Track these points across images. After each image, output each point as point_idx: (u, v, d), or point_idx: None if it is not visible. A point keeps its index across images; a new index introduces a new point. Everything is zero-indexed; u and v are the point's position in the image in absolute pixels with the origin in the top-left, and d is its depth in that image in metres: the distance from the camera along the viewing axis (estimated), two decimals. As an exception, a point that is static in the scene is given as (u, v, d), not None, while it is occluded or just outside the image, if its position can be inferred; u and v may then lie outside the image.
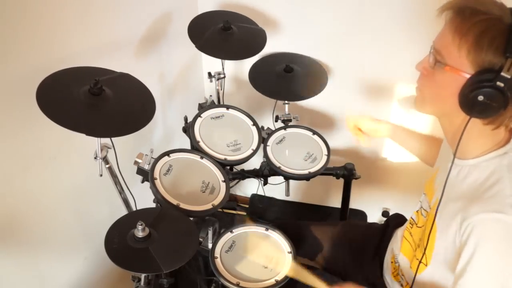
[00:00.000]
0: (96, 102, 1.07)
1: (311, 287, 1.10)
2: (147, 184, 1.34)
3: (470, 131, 0.88)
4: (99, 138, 1.16)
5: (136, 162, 1.36)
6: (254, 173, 1.67)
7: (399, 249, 1.18)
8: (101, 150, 1.20)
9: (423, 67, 0.93)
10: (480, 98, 0.81)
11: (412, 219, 1.13)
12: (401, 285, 1.18)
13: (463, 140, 0.89)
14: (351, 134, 1.38)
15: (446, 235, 0.93)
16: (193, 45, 1.53)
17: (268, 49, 1.72)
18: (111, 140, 1.24)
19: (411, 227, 1.13)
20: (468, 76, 0.83)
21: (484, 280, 0.86)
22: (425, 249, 1.01)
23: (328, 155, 1.59)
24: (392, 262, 1.23)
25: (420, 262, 1.03)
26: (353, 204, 1.96)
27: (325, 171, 1.58)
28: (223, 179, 1.41)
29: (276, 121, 1.78)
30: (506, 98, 0.80)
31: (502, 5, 0.83)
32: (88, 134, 1.01)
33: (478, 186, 0.90)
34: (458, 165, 0.95)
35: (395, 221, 1.38)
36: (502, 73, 0.78)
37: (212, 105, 1.66)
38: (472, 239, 0.85)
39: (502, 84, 0.78)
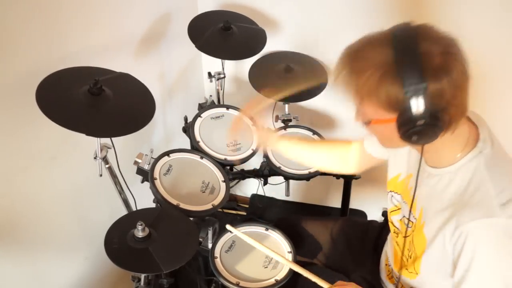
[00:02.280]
0: (96, 102, 1.07)
1: (312, 283, 1.10)
2: (147, 184, 1.34)
3: (435, 143, 0.86)
4: (99, 138, 1.16)
5: (136, 162, 1.36)
6: (254, 173, 1.67)
7: (391, 253, 1.18)
8: (101, 150, 1.20)
9: (359, 120, 0.92)
10: (415, 138, 0.82)
11: (397, 228, 1.12)
12: (396, 287, 1.17)
13: (435, 150, 0.89)
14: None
15: (436, 245, 0.92)
16: (193, 45, 1.53)
17: (268, 49, 1.72)
18: (111, 140, 1.24)
19: (397, 236, 1.12)
20: (394, 119, 0.82)
21: (486, 285, 0.86)
22: (404, 258, 1.02)
23: (328, 155, 1.59)
24: (386, 265, 1.23)
25: (407, 270, 1.03)
26: (353, 204, 1.96)
27: (325, 171, 1.58)
28: (223, 179, 1.41)
29: (276, 121, 1.78)
30: (435, 123, 0.79)
31: (382, 44, 0.81)
32: (88, 134, 1.01)
33: (463, 191, 0.88)
34: (437, 175, 0.94)
35: None
36: (415, 114, 0.78)
37: (212, 105, 1.66)
38: (468, 246, 0.85)
39: (422, 121, 0.78)
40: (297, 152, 1.32)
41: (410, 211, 0.98)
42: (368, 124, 0.88)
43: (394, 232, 1.13)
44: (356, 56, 0.83)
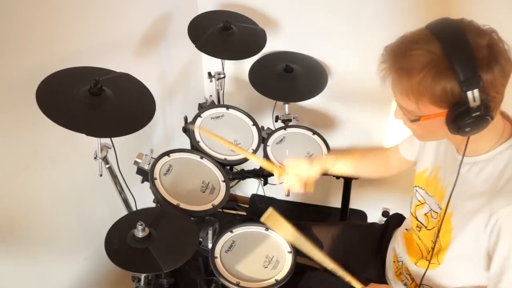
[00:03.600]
0: (96, 102, 1.07)
1: (314, 283, 1.10)
2: (147, 184, 1.34)
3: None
4: (99, 138, 1.16)
5: (136, 162, 1.36)
6: (254, 173, 1.67)
7: (404, 251, 1.18)
8: (101, 150, 1.20)
9: (401, 117, 0.94)
10: (468, 129, 0.83)
11: (421, 222, 1.12)
12: (405, 284, 1.17)
13: (472, 140, 0.90)
14: (295, 189, 1.23)
15: (466, 233, 0.92)
16: (193, 45, 1.52)
17: (268, 49, 1.72)
18: (111, 140, 1.24)
19: (419, 230, 1.12)
20: (444, 113, 0.84)
21: None
22: (432, 250, 1.01)
23: (328, 155, 1.59)
24: (394, 262, 1.23)
25: (429, 262, 1.03)
26: (353, 204, 1.96)
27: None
28: (223, 179, 1.41)
29: (276, 121, 1.78)
30: (487, 112, 0.81)
31: (427, 41, 0.81)
32: (88, 134, 1.01)
33: (496, 179, 0.89)
34: (468, 163, 0.95)
35: (395, 220, 1.38)
36: (471, 107, 0.79)
37: (212, 105, 1.66)
38: (505, 233, 0.85)
39: (478, 113, 0.80)
40: (344, 169, 1.30)
41: (448, 200, 0.97)
42: (416, 121, 0.88)
43: (417, 226, 1.13)
44: (404, 56, 0.83)
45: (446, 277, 1.04)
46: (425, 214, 1.10)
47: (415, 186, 1.16)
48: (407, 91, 0.84)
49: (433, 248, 1.02)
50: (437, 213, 1.04)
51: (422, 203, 1.12)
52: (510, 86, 0.85)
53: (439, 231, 0.99)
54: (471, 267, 0.94)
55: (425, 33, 0.83)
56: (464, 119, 0.81)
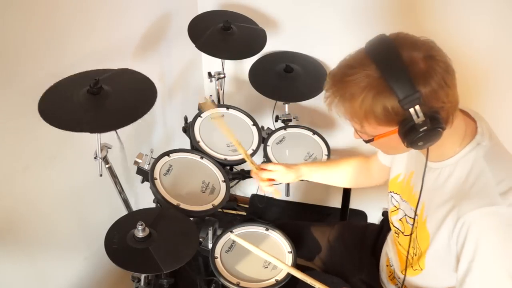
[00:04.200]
0: (96, 100, 1.07)
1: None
2: (147, 184, 1.34)
3: None
4: (99, 138, 1.16)
5: (136, 162, 1.36)
6: (254, 173, 1.67)
7: (393, 253, 1.18)
8: (101, 150, 1.20)
9: (360, 138, 0.95)
10: (421, 143, 0.84)
11: (397, 228, 1.13)
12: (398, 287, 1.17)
13: (436, 146, 0.89)
14: (266, 190, 1.27)
15: (440, 238, 0.93)
16: (193, 45, 1.52)
17: (268, 48, 1.72)
18: (117, 133, 1.23)
19: (398, 237, 1.12)
20: (395, 130, 0.84)
21: (492, 274, 0.86)
22: (408, 255, 1.02)
23: (328, 155, 1.59)
24: (387, 266, 1.22)
25: (410, 269, 1.03)
26: (353, 204, 1.96)
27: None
28: (223, 179, 1.41)
29: (276, 121, 1.78)
30: (437, 125, 0.81)
31: (363, 64, 0.82)
32: (92, 131, 1.01)
33: (463, 183, 0.90)
34: (437, 168, 0.95)
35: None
36: (417, 123, 0.80)
37: (212, 105, 1.66)
38: (471, 236, 0.85)
39: (425, 127, 0.80)
40: (320, 178, 1.32)
41: (417, 207, 0.98)
42: (370, 141, 0.89)
43: (395, 233, 1.13)
44: (343, 83, 0.84)
45: (431, 280, 1.04)
46: (400, 220, 1.11)
47: (390, 192, 1.16)
48: (351, 115, 0.86)
49: (410, 253, 1.03)
50: (412, 218, 1.04)
51: (397, 209, 1.12)
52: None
53: (415, 237, 1.00)
54: (450, 270, 0.94)
55: (361, 55, 0.84)
56: (413, 134, 0.81)
